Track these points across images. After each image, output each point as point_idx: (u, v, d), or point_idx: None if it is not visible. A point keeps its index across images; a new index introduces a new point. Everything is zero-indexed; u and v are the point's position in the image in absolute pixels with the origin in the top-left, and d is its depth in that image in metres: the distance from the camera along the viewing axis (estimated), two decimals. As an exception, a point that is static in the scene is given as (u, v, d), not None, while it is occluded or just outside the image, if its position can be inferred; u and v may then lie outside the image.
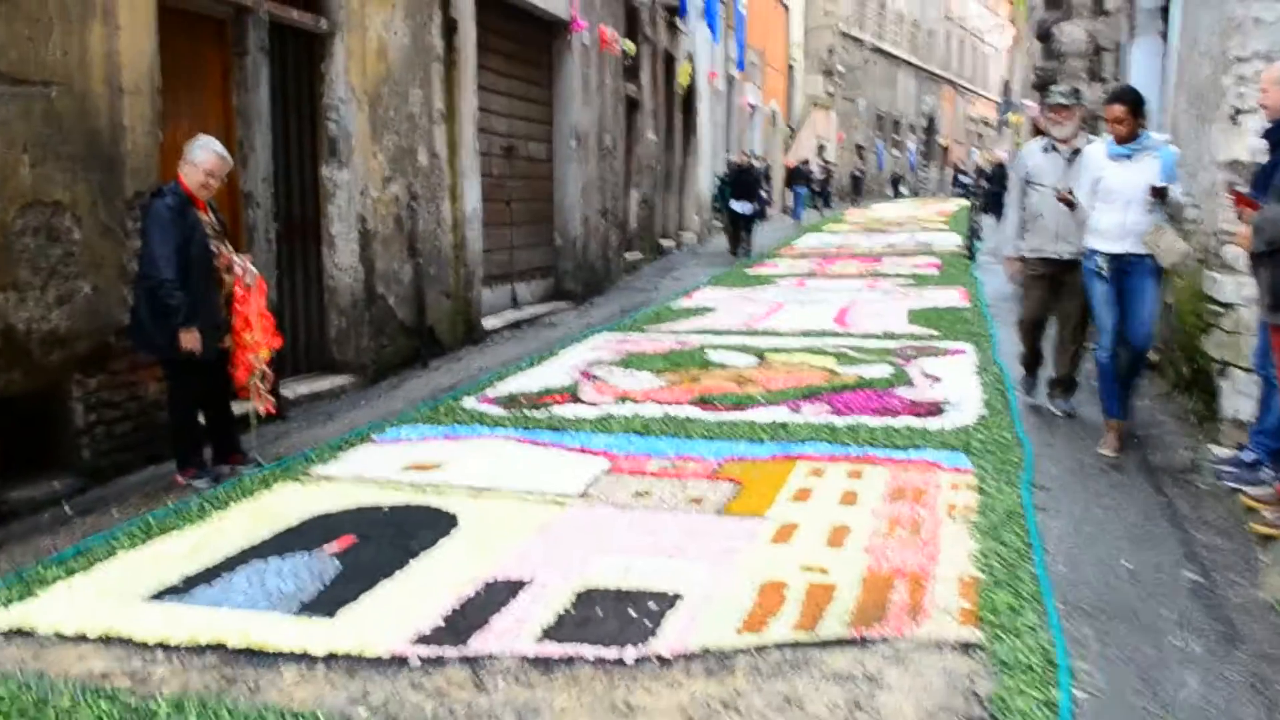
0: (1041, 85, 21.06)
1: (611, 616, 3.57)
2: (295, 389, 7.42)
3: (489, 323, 10.55)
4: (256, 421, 5.87)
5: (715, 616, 3.53)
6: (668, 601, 3.66)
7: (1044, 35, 14.90)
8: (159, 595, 3.90)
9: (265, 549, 4.34)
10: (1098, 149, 5.79)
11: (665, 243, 19.11)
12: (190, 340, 5.12)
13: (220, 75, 6.86)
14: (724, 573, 3.90)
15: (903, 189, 44.91)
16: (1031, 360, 7.00)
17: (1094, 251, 5.72)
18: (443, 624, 3.57)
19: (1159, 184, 5.41)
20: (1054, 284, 6.54)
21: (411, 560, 4.16)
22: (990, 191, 26.39)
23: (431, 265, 9.13)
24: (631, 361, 8.36)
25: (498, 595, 3.79)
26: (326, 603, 3.79)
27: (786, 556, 4.05)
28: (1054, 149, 6.45)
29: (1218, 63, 6.35)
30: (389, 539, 4.43)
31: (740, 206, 18.50)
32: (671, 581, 3.83)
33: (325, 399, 7.58)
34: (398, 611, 3.68)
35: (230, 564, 4.19)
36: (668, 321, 10.76)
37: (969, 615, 3.47)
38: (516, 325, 11.10)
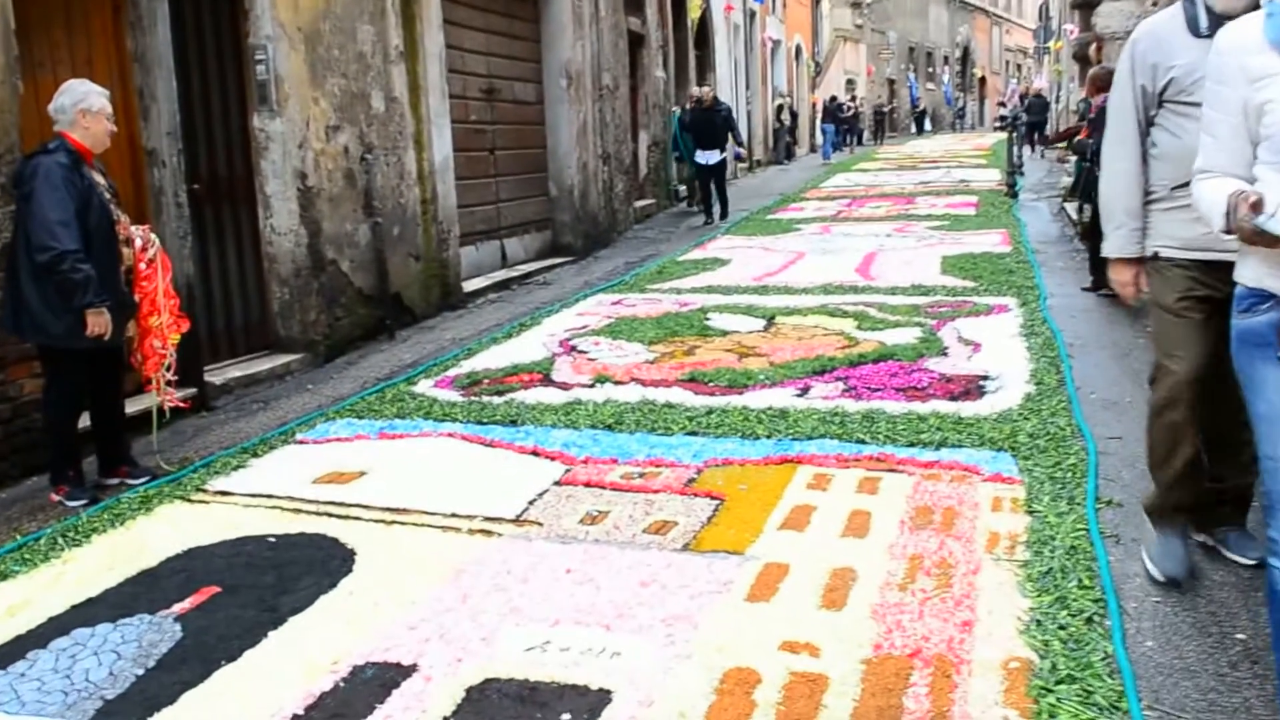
0: (1083, 4, 19.49)
1: (506, 735, 2.50)
2: (227, 374, 6.49)
3: (472, 285, 9.52)
4: (159, 420, 5.04)
5: (651, 738, 2.44)
6: (589, 706, 2.59)
7: (1089, -57, 13.42)
8: (-59, 682, 2.97)
9: (101, 607, 3.45)
10: (1247, 30, 2.47)
11: (682, 188, 17.83)
12: (100, 323, 4.31)
13: (111, 14, 5.79)
14: (675, 654, 2.80)
15: (927, 124, 42.15)
16: (1185, 480, 3.16)
17: (1259, 295, 2.38)
18: (272, 746, 2.54)
19: None
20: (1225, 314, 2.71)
21: (271, 632, 3.14)
22: (1030, 123, 25.02)
23: (395, 224, 8.05)
24: (621, 329, 7.26)
25: (361, 692, 2.75)
26: (136, 703, 2.80)
27: (765, 625, 2.92)
28: (1213, 24, 2.88)
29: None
30: (258, 592, 3.47)
31: (705, 156, 14.56)
32: (601, 670, 2.74)
33: (264, 383, 6.63)
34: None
35: (50, 631, 3.29)
36: (672, 278, 9.64)
37: (1020, 741, 2.34)
38: (505, 285, 10.07)
